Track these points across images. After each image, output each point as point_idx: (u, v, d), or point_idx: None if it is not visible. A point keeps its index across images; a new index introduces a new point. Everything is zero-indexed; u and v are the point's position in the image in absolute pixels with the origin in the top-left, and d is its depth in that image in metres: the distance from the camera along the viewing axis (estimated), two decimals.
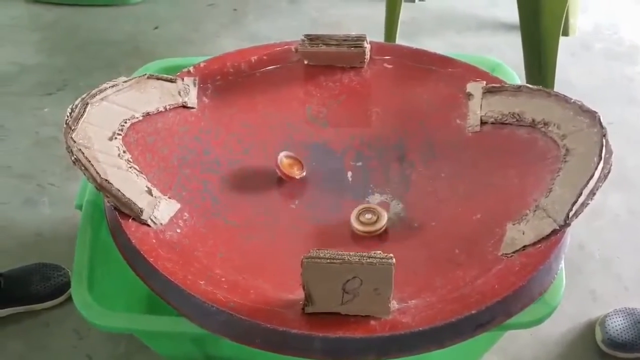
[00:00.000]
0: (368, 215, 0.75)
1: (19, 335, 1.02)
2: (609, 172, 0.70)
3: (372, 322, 0.64)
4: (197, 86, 0.86)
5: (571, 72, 1.37)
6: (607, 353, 0.96)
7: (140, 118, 0.80)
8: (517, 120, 0.79)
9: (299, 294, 0.65)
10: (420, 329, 0.63)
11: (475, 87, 0.83)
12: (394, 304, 0.65)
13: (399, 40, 1.32)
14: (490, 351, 0.90)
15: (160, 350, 0.85)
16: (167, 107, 0.82)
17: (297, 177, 0.80)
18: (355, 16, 1.54)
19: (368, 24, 1.48)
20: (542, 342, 0.99)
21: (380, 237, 0.75)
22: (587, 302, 1.03)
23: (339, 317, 0.64)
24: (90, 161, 0.72)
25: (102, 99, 0.78)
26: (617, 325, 0.96)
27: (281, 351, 0.65)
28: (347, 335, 0.63)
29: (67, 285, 1.03)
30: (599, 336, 0.97)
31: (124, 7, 1.59)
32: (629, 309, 0.98)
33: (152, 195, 0.73)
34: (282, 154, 0.80)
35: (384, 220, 0.75)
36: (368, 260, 0.62)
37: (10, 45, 1.50)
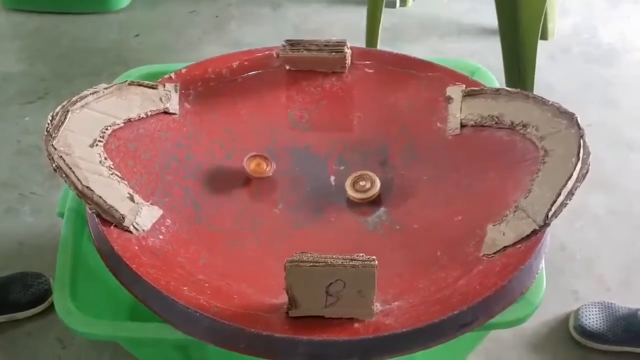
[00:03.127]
0: (362, 183, 0.77)
1: (1, 345, 1.01)
2: (587, 173, 0.71)
3: (356, 325, 0.64)
4: (178, 92, 0.86)
5: (550, 75, 1.39)
6: (580, 342, 0.98)
7: (122, 125, 0.80)
8: (496, 122, 0.80)
9: (283, 298, 0.65)
10: (404, 330, 0.63)
11: (454, 91, 0.84)
12: (377, 306, 0.65)
13: (381, 46, 1.32)
14: (475, 351, 0.90)
15: (144, 358, 0.85)
16: (149, 113, 0.82)
17: (269, 174, 0.80)
18: (338, 22, 1.55)
19: (350, 30, 1.49)
20: (526, 342, 1.00)
21: (363, 239, 0.75)
22: (569, 303, 1.04)
23: (322, 320, 0.65)
24: (71, 168, 0.71)
25: (82, 106, 0.78)
26: (591, 314, 0.98)
27: (266, 355, 0.65)
28: (331, 338, 0.63)
29: (47, 292, 1.03)
30: (571, 323, 0.99)
31: (105, 14, 1.58)
32: (606, 302, 1.00)
33: (133, 201, 0.73)
34: (246, 157, 0.81)
35: (377, 187, 0.77)
36: (351, 263, 0.62)
37: None
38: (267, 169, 0.80)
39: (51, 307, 1.03)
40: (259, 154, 0.81)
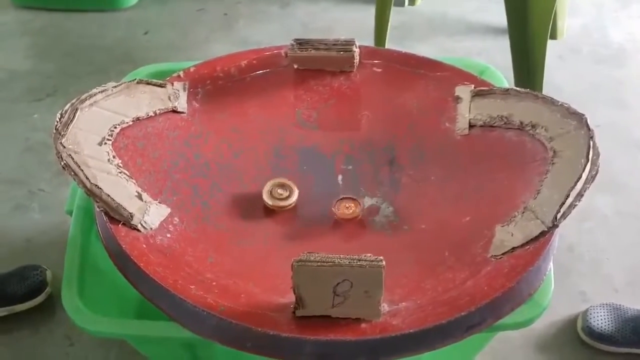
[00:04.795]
0: (280, 191, 0.76)
1: (8, 342, 1.01)
2: (596, 174, 0.71)
3: (363, 325, 0.64)
4: (187, 91, 0.86)
5: (559, 75, 1.38)
6: (588, 343, 0.97)
7: (130, 123, 0.80)
8: (505, 123, 0.80)
9: (290, 298, 0.65)
10: (411, 331, 0.63)
11: (463, 91, 0.84)
12: (384, 307, 0.65)
13: (389, 45, 1.32)
14: (482, 351, 0.90)
15: (151, 355, 0.85)
16: (157, 111, 0.83)
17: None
18: (346, 21, 1.55)
19: (359, 29, 1.49)
20: (534, 342, 1.00)
21: (370, 238, 0.75)
22: (577, 304, 1.03)
23: (329, 320, 0.65)
24: (79, 166, 0.72)
25: (91, 104, 0.78)
26: (599, 316, 0.97)
27: (272, 355, 0.65)
28: (338, 338, 0.63)
29: (43, 284, 1.03)
30: (579, 324, 0.99)
31: (113, 12, 1.58)
32: (615, 304, 0.99)
33: (142, 200, 0.73)
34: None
35: (295, 196, 0.76)
36: (358, 263, 0.62)
37: None
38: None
39: (58, 304, 1.03)
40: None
